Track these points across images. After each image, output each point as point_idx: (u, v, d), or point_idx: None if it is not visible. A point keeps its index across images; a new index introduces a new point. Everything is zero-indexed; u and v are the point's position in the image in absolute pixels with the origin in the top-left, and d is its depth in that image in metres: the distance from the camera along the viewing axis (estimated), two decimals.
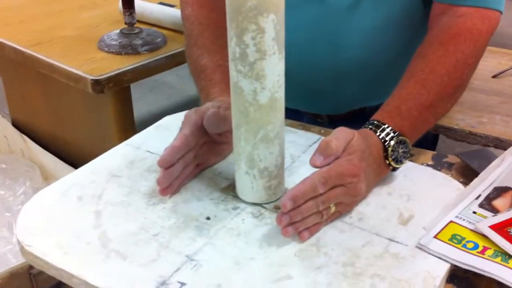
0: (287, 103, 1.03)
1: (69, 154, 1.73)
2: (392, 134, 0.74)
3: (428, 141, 1.05)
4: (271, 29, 0.65)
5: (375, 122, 0.75)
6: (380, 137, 0.73)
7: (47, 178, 1.72)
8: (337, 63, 0.92)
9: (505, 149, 0.80)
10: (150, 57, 1.47)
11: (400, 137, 0.74)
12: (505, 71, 1.14)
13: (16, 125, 1.86)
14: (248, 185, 0.73)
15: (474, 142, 0.95)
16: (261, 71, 0.66)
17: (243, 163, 0.72)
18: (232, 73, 0.68)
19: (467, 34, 0.80)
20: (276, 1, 0.64)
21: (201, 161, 0.78)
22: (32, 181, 1.66)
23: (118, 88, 1.42)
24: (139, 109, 2.49)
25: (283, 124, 0.72)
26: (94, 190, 0.76)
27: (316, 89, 0.96)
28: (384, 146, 0.73)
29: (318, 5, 0.91)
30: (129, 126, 1.57)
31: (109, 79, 1.37)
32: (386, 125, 0.74)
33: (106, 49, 1.48)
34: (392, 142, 0.73)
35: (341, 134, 0.69)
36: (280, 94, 0.69)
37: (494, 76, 1.09)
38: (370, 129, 0.74)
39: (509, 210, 0.70)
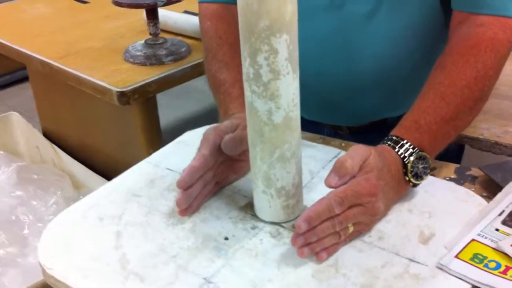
0: (306, 115, 1.03)
1: (98, 163, 1.76)
2: (411, 150, 0.72)
3: (452, 153, 1.03)
4: (284, 49, 0.64)
5: (394, 137, 0.74)
6: (399, 153, 0.72)
7: (78, 188, 1.75)
8: (354, 74, 0.91)
9: None
10: (174, 67, 1.48)
11: (420, 153, 0.73)
12: None
13: (46, 135, 1.89)
14: (266, 204, 0.73)
15: (500, 153, 0.93)
16: (276, 91, 0.66)
17: (260, 182, 0.72)
18: (247, 93, 0.68)
19: (488, 44, 0.78)
20: (289, 21, 0.64)
21: (220, 179, 0.79)
22: (63, 191, 1.69)
23: (143, 99, 1.43)
24: (167, 116, 2.51)
25: (300, 143, 0.71)
26: (115, 211, 0.77)
27: (334, 101, 0.95)
28: (403, 162, 0.72)
29: (334, 15, 0.90)
30: (155, 135, 1.59)
31: (134, 91, 1.38)
32: (405, 141, 0.73)
33: (131, 60, 1.49)
34: (412, 158, 0.72)
35: (357, 153, 0.68)
36: (296, 113, 0.69)
37: None
38: (389, 145, 0.73)
39: None
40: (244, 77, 0.67)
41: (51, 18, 1.79)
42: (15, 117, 1.91)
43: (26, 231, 1.51)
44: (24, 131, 1.90)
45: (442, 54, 0.81)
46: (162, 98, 2.53)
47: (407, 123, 0.75)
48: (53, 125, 1.92)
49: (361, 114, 0.97)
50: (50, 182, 1.70)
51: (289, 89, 0.67)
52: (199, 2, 1.01)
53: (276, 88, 0.66)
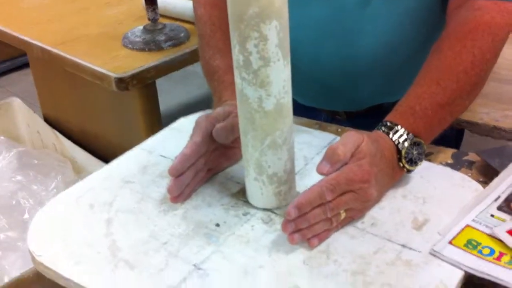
0: (303, 100, 1.02)
1: (99, 148, 1.75)
2: (405, 136, 0.71)
3: (451, 138, 1.02)
4: (274, 36, 0.63)
5: (388, 123, 0.73)
6: (393, 139, 0.71)
7: (79, 172, 1.75)
8: (351, 60, 0.90)
9: None
10: (173, 52, 1.46)
11: (415, 139, 0.72)
12: None
13: (47, 120, 1.89)
14: (258, 191, 0.72)
15: (499, 137, 0.91)
16: (266, 78, 0.65)
17: (251, 169, 0.71)
18: (237, 80, 0.67)
19: (485, 28, 0.76)
20: (278, 7, 0.63)
21: (212, 166, 0.78)
22: (63, 176, 1.68)
23: (142, 85, 1.43)
24: (168, 101, 2.51)
25: (292, 130, 0.70)
26: (106, 197, 0.76)
27: (331, 86, 0.94)
28: (398, 148, 0.71)
29: (329, 1, 0.89)
30: (155, 121, 1.58)
31: (133, 77, 1.37)
32: (400, 126, 0.72)
33: (130, 46, 1.48)
34: (406, 144, 0.71)
35: (349, 139, 0.67)
36: (287, 99, 0.68)
37: None
38: (383, 131, 0.72)
39: None
40: (234, 64, 0.66)
41: (50, 6, 1.78)
42: (17, 103, 1.91)
43: (26, 215, 1.51)
44: (25, 116, 1.90)
45: (439, 38, 0.80)
46: (162, 84, 2.52)
47: (402, 108, 0.74)
48: (54, 111, 1.91)
49: (359, 100, 0.96)
50: (51, 167, 1.70)
51: (279, 76, 0.65)
52: None
53: (267, 75, 0.65)
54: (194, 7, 0.98)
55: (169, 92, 2.59)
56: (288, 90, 0.67)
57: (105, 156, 1.69)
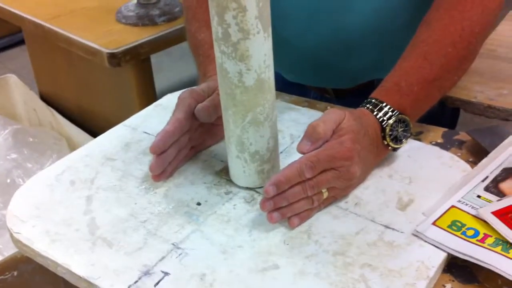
0: (291, 76, 0.99)
1: (95, 125, 1.74)
2: (390, 113, 0.69)
3: (446, 116, 0.99)
4: (253, 7, 0.61)
5: (373, 100, 0.71)
6: (378, 116, 0.69)
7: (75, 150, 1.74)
8: (341, 31, 0.87)
9: None
10: (168, 27, 1.45)
11: (400, 115, 0.70)
12: None
13: (43, 97, 1.88)
14: (240, 170, 0.70)
15: (493, 116, 0.89)
16: (246, 51, 0.63)
17: (233, 147, 0.69)
18: (217, 54, 0.65)
19: (475, 1, 0.74)
20: None
21: (196, 143, 0.76)
22: (59, 154, 1.68)
23: (135, 61, 1.41)
24: (169, 77, 2.48)
25: (274, 106, 0.68)
26: (88, 174, 0.75)
27: (320, 61, 0.92)
28: (382, 125, 0.69)
29: None
30: (151, 98, 1.56)
31: (125, 52, 1.36)
32: (384, 104, 0.70)
33: (123, 20, 1.47)
34: (391, 121, 0.69)
35: (330, 117, 0.65)
36: (268, 75, 0.66)
37: None
38: (367, 108, 0.70)
39: None
40: (214, 36, 0.64)
41: None
42: (13, 80, 1.89)
43: None
44: (22, 93, 1.88)
45: (429, 9, 0.77)
46: (163, 61, 2.50)
47: (387, 84, 0.72)
48: (50, 88, 1.90)
49: (348, 75, 0.94)
50: (47, 145, 1.69)
51: (260, 49, 0.63)
52: None
53: (246, 48, 0.63)
54: None
55: (171, 69, 2.57)
56: (270, 65, 0.65)
57: (101, 133, 1.68)
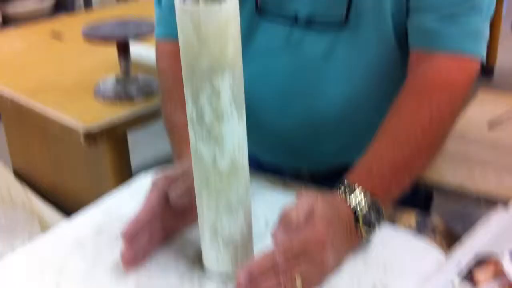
0: (267, 157, 1.00)
1: (69, 203, 1.71)
2: (363, 198, 0.70)
3: (419, 198, 1.00)
4: (227, 91, 0.62)
5: (345, 184, 0.71)
6: (351, 200, 0.69)
7: (47, 229, 1.70)
8: (314, 115, 0.89)
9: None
10: (145, 104, 1.45)
11: (372, 200, 0.70)
12: (501, 122, 1.08)
13: (17, 173, 1.86)
14: (213, 255, 0.69)
15: (465, 199, 0.90)
16: (219, 135, 0.63)
17: (207, 232, 0.68)
18: (191, 137, 0.65)
19: (443, 86, 0.76)
20: (232, 60, 0.61)
21: (169, 227, 0.75)
22: (30, 234, 1.63)
23: (111, 139, 1.41)
24: (145, 154, 2.48)
25: (248, 191, 0.68)
26: (57, 260, 0.73)
27: (294, 144, 0.93)
28: (355, 212, 0.69)
29: (291, 55, 0.88)
30: (126, 175, 1.55)
31: (102, 131, 1.35)
32: (357, 190, 0.70)
33: (101, 97, 1.47)
34: (363, 208, 0.69)
35: (302, 202, 0.65)
36: (243, 159, 0.66)
37: (489, 126, 1.04)
38: (340, 192, 0.70)
39: (490, 283, 0.65)
40: (188, 119, 0.65)
41: (24, 54, 1.78)
42: None
43: None
44: None
45: (398, 94, 0.79)
46: (141, 135, 2.49)
47: (359, 169, 0.73)
48: (24, 164, 1.88)
49: (322, 158, 0.95)
50: (19, 226, 1.65)
51: (234, 132, 0.64)
52: (156, 41, 0.99)
53: (220, 131, 0.63)
54: (156, 60, 0.97)
55: (147, 144, 2.57)
56: (244, 149, 0.66)
57: (75, 210, 1.65)
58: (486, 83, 3.24)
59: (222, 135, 0.63)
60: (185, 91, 0.64)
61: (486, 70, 3.24)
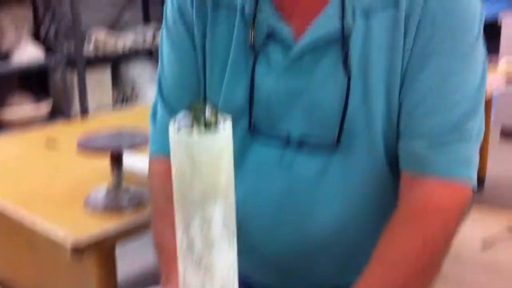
0: (259, 278, 0.97)
1: None
2: None
3: None
4: (219, 219, 0.61)
5: None
6: None
7: None
8: (306, 235, 0.88)
9: None
10: (135, 215, 1.44)
11: None
12: (494, 243, 1.07)
13: (2, 283, 1.80)
14: None
15: None
16: (209, 263, 0.61)
17: None
18: (180, 264, 0.64)
19: (435, 212, 0.76)
20: (224, 188, 0.61)
21: None
22: None
23: (99, 253, 1.38)
24: (132, 266, 2.42)
25: None
26: None
27: (285, 267, 0.91)
28: None
29: (283, 175, 0.89)
30: None
31: (89, 246, 1.32)
32: None
33: (91, 209, 1.46)
34: None
35: None
36: (233, 286, 0.64)
37: (483, 246, 1.03)
38: None
39: None
40: (178, 246, 0.63)
41: (17, 161, 1.78)
42: None
43: None
44: None
45: (391, 219, 0.79)
46: (124, 246, 2.44)
47: None
48: (8, 274, 1.83)
49: (314, 280, 0.92)
50: None
51: (225, 261, 0.62)
52: (149, 158, 1.00)
53: (211, 260, 0.61)
54: (149, 178, 0.97)
55: (134, 254, 2.52)
56: (234, 276, 0.64)
57: None
58: (477, 195, 3.24)
59: (213, 263, 0.62)
60: (175, 217, 0.63)
61: (477, 182, 3.24)
